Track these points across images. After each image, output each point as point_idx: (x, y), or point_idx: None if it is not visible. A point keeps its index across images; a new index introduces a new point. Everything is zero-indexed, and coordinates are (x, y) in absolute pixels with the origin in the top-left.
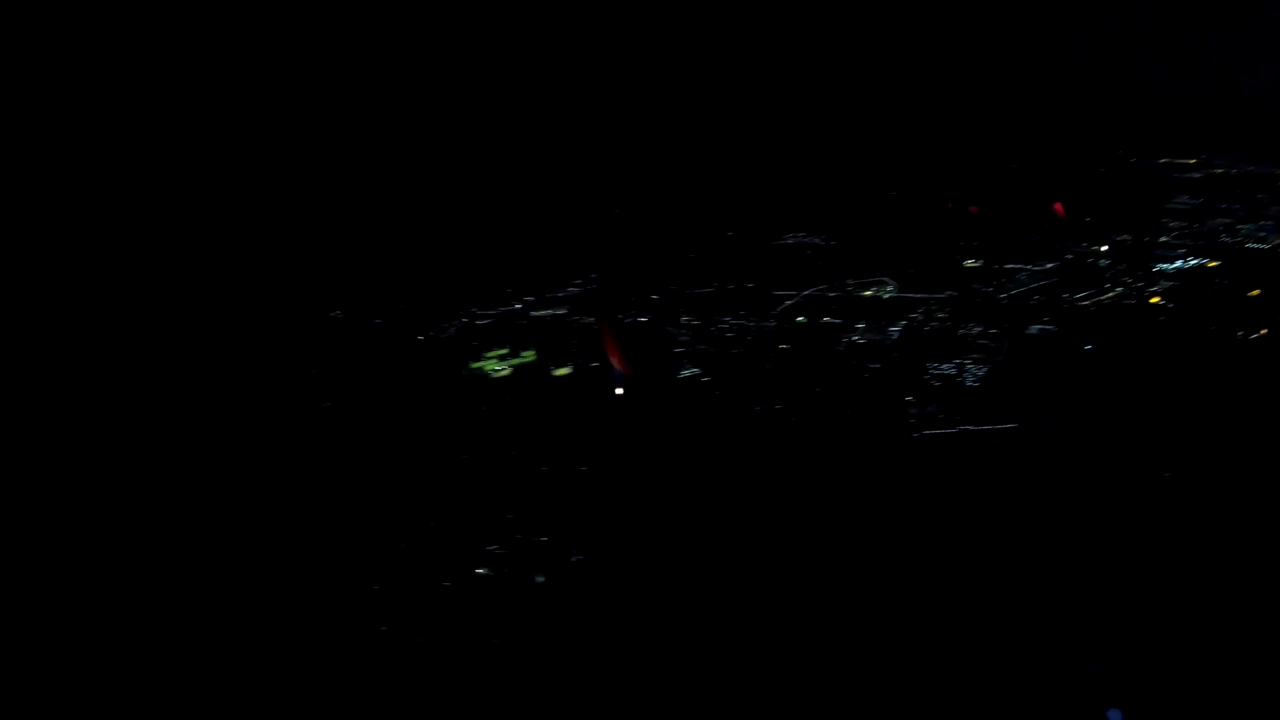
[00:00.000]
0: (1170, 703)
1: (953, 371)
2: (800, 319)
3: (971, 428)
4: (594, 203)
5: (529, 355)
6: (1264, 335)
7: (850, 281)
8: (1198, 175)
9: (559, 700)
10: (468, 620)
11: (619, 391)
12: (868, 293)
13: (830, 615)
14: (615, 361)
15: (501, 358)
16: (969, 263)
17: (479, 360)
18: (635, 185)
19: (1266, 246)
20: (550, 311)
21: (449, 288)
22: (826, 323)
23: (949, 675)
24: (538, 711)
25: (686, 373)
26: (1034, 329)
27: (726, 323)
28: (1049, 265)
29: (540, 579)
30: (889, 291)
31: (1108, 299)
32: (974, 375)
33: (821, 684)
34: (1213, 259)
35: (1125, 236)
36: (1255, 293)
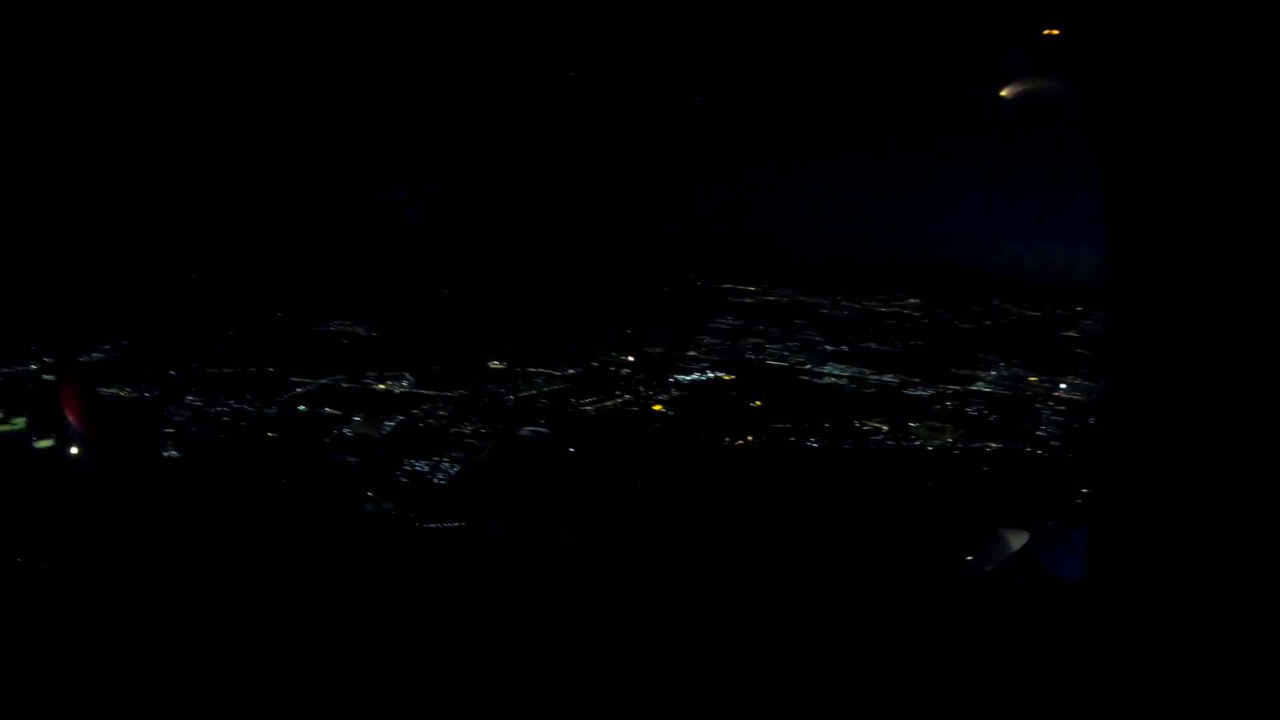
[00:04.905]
0: None
1: (426, 469)
2: (302, 407)
3: (419, 524)
4: (172, 265)
5: (19, 423)
6: (749, 442)
7: (370, 373)
8: (750, 300)
9: None
10: None
11: (74, 450)
12: (382, 386)
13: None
14: (72, 416)
15: None
16: (494, 364)
17: None
18: (221, 254)
19: (786, 364)
20: None
21: None
22: (326, 413)
23: None
24: None
25: (168, 455)
26: (526, 430)
27: (229, 406)
28: (569, 371)
29: None
30: (404, 386)
31: (612, 405)
32: (446, 473)
33: None
34: (730, 373)
35: (657, 349)
36: (756, 404)
